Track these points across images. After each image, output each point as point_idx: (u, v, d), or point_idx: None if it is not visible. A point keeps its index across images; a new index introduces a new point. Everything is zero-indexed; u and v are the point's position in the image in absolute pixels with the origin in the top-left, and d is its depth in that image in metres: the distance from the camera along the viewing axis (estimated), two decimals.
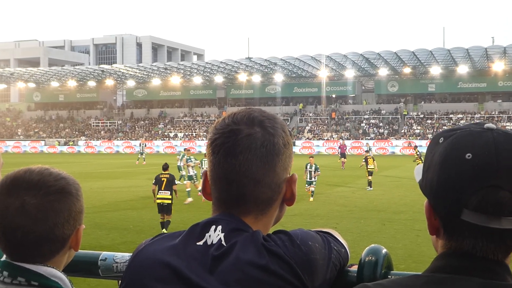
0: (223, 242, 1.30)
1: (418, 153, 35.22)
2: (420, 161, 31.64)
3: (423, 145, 48.21)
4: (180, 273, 1.27)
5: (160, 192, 14.40)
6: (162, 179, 14.59)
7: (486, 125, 1.16)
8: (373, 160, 26.09)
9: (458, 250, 1.14)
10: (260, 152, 1.34)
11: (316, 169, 21.45)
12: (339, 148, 45.60)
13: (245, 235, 1.31)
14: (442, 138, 1.18)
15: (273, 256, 1.28)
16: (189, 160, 22.08)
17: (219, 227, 1.33)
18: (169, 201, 14.34)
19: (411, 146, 55.51)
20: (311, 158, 22.24)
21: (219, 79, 79.79)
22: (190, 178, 21.93)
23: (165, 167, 15.10)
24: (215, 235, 1.31)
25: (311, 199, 20.45)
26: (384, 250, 1.55)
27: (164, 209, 14.30)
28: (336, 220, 16.08)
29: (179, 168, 25.55)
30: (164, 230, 13.69)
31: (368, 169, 25.34)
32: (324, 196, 21.96)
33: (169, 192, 14.39)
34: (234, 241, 1.29)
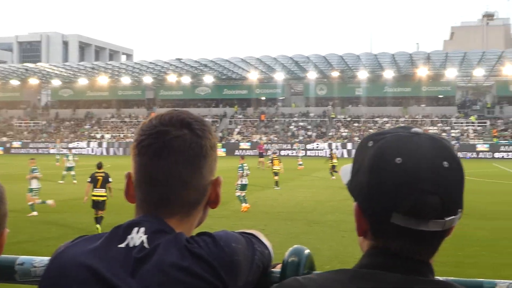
0: (145, 244, 1.28)
1: (331, 154, 36.81)
2: (331, 161, 33.60)
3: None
4: (100, 275, 1.24)
5: (95, 190, 15.09)
6: (98, 177, 15.24)
7: (413, 130, 1.19)
8: (279, 162, 28.66)
9: (385, 250, 1.16)
10: (188, 154, 1.34)
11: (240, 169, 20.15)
12: (257, 148, 47.11)
13: (168, 237, 1.30)
14: (371, 141, 1.19)
15: (196, 258, 1.27)
16: (35, 171, 18.86)
17: (142, 229, 1.31)
18: (104, 198, 15.08)
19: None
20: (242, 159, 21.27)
21: (148, 79, 78.89)
22: (30, 190, 18.44)
23: (100, 166, 15.70)
24: (138, 237, 1.29)
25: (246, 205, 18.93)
26: (307, 251, 1.53)
27: (100, 205, 14.98)
28: (264, 222, 16.03)
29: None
30: (98, 226, 14.56)
31: (274, 170, 27.82)
32: (253, 198, 21.88)
33: (104, 189, 15.12)
34: (157, 243, 1.28)
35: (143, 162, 1.34)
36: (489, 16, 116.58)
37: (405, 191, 1.11)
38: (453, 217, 1.15)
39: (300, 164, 42.21)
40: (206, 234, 1.36)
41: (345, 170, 1.30)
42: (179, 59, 71.73)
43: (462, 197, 1.17)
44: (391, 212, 1.12)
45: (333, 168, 32.07)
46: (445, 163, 1.13)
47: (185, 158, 1.33)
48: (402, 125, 1.27)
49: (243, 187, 19.37)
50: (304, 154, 53.48)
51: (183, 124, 1.36)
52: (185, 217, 1.37)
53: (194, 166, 1.35)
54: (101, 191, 15.10)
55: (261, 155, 45.43)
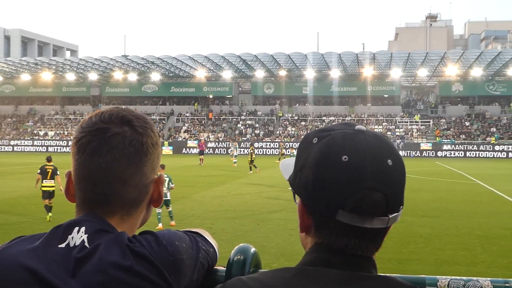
0: (86, 244, 1.26)
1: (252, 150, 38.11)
2: (250, 157, 35.20)
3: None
4: (40, 276, 1.21)
5: (45, 181, 16.60)
6: (48, 170, 16.74)
7: (357, 127, 1.20)
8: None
9: (330, 246, 1.17)
10: (128, 152, 1.33)
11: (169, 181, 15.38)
12: (198, 146, 48.90)
13: (110, 236, 1.29)
14: (316, 138, 1.19)
15: (138, 257, 1.26)
16: None
17: (83, 229, 1.29)
18: (53, 188, 16.57)
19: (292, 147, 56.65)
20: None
21: (93, 76, 77.59)
22: None
23: (49, 159, 17.03)
24: (78, 236, 1.27)
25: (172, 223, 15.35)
26: (253, 249, 1.54)
27: (50, 195, 16.47)
28: (211, 221, 15.95)
29: None
30: (50, 214, 15.97)
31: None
32: (200, 196, 21.80)
33: (53, 180, 16.66)
34: (98, 243, 1.26)
35: (82, 160, 1.32)
36: (432, 17, 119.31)
37: (351, 189, 1.11)
38: (396, 214, 1.16)
39: (235, 162, 43.25)
40: (149, 233, 1.35)
41: (286, 165, 1.31)
42: (125, 56, 70.85)
43: (403, 194, 1.19)
44: (336, 209, 1.13)
45: (252, 163, 35.27)
46: (389, 161, 1.15)
47: (125, 155, 1.32)
48: (347, 122, 1.27)
49: (166, 203, 15.23)
50: (240, 152, 55.17)
51: (124, 121, 1.35)
52: (127, 216, 1.35)
53: (135, 164, 1.33)
54: (51, 182, 16.62)
55: (201, 153, 47.06)
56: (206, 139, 67.18)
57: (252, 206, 19.35)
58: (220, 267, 1.54)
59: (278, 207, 18.82)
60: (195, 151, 64.01)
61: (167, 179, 15.03)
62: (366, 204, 1.12)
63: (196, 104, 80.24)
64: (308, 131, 1.53)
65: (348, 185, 1.12)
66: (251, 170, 34.99)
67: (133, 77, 77.62)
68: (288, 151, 38.74)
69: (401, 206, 1.18)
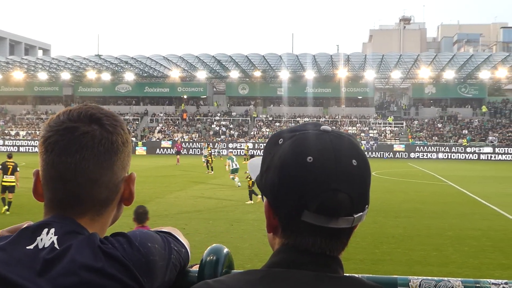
0: (56, 246, 1.23)
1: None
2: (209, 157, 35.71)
3: None
4: (5, 278, 1.18)
5: (6, 176, 17.49)
6: (8, 166, 17.64)
7: (322, 127, 1.20)
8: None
9: (296, 247, 1.17)
10: (98, 151, 1.31)
11: None
12: (175, 147, 50.18)
13: (81, 237, 1.27)
14: (281, 139, 1.19)
15: (110, 259, 1.24)
16: None
17: (52, 230, 1.26)
18: (14, 183, 17.53)
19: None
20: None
21: (66, 75, 76.64)
22: None
23: (10, 156, 17.99)
24: (47, 238, 1.25)
25: None
26: (226, 250, 1.53)
27: (10, 189, 17.44)
28: (185, 221, 15.89)
29: None
30: (5, 207, 17.16)
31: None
32: (173, 197, 21.70)
33: (13, 176, 17.54)
34: (69, 244, 1.24)
35: (50, 159, 1.30)
36: (406, 20, 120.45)
37: (316, 190, 1.12)
38: (361, 213, 1.17)
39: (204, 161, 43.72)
40: (121, 234, 1.33)
41: (254, 165, 1.31)
42: (98, 56, 70.36)
43: (369, 194, 1.19)
44: (301, 210, 1.13)
45: (208, 163, 36.51)
46: (354, 161, 1.15)
47: (94, 155, 1.30)
48: (313, 121, 1.27)
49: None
50: (212, 152, 56.07)
51: (92, 119, 1.33)
52: (97, 215, 1.33)
53: (105, 163, 1.31)
54: (11, 178, 17.54)
55: (178, 153, 47.99)
56: (181, 139, 66.86)
57: (226, 207, 19.33)
58: (193, 268, 1.53)
59: (252, 208, 18.83)
60: (170, 151, 63.86)
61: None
62: (331, 204, 1.12)
63: (182, 104, 79.67)
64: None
65: (313, 185, 1.12)
66: (211, 170, 35.53)
67: (106, 76, 76.90)
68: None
69: (367, 206, 1.19)
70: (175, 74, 74.80)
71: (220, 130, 73.29)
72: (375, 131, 71.37)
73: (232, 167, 26.38)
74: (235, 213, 17.92)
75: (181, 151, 50.60)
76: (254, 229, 14.84)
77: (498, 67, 69.56)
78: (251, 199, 20.13)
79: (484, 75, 71.73)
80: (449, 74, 71.87)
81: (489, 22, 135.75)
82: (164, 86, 79.59)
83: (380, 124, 73.53)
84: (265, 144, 1.26)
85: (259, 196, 19.38)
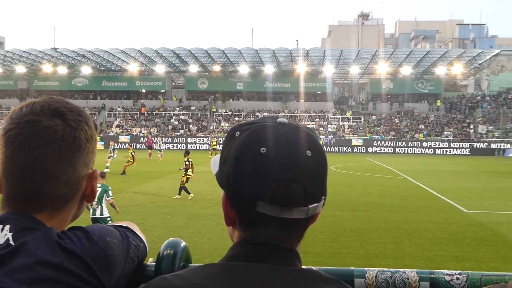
0: (11, 242, 1.21)
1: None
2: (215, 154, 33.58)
3: None
4: None
5: None
6: None
7: (278, 120, 1.22)
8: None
9: (253, 239, 1.18)
10: (59, 147, 1.28)
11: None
12: (146, 141, 50.17)
13: (37, 233, 1.24)
14: (238, 132, 1.20)
15: (68, 254, 1.22)
16: None
17: (7, 227, 1.23)
18: None
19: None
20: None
21: (21, 69, 75.14)
22: None
23: None
24: (2, 235, 1.22)
25: None
26: (183, 243, 1.54)
27: None
28: (143, 216, 15.74)
29: None
30: None
31: None
32: (132, 192, 21.49)
33: None
34: (24, 240, 1.21)
35: (9, 154, 1.27)
36: (364, 16, 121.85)
37: (269, 180, 1.13)
38: (317, 204, 1.17)
39: (160, 156, 43.88)
40: (79, 228, 1.32)
41: (216, 161, 1.30)
42: (54, 49, 69.09)
43: (325, 184, 1.20)
44: (256, 201, 1.14)
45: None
46: (308, 152, 1.16)
47: (56, 150, 1.27)
48: (270, 115, 1.28)
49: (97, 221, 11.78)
50: (166, 147, 55.92)
51: (56, 114, 1.30)
52: (56, 212, 1.30)
53: (66, 159, 1.29)
54: None
55: (149, 148, 48.42)
56: (138, 134, 66.24)
57: (185, 201, 19.22)
58: (150, 262, 1.52)
59: (211, 203, 18.77)
60: (128, 146, 63.34)
61: (99, 189, 11.66)
62: (285, 194, 1.13)
63: (162, 99, 78.73)
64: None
65: (267, 176, 1.13)
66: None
67: (63, 70, 75.64)
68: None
69: (323, 197, 1.20)
70: (133, 68, 74.12)
71: (179, 125, 72.86)
72: (333, 126, 71.97)
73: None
74: (193, 207, 17.84)
75: (153, 146, 50.47)
76: (213, 223, 14.81)
77: (453, 63, 71.01)
78: (179, 194, 19.97)
79: (440, 71, 73.09)
80: (406, 70, 73.03)
81: (446, 19, 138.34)
82: (122, 80, 78.71)
83: (339, 119, 74.19)
84: (224, 139, 1.27)
85: (191, 195, 19.85)
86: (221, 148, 1.28)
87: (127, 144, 44.34)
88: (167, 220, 15.31)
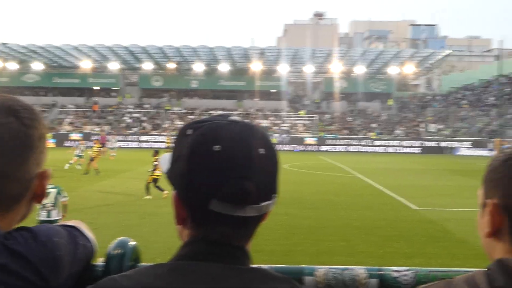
0: None
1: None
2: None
3: None
4: None
5: None
6: None
7: (231, 118, 1.22)
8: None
9: (205, 238, 1.17)
10: (13, 145, 1.25)
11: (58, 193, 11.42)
12: (99, 139, 49.10)
13: None
14: (190, 130, 1.20)
15: (14, 255, 1.19)
16: None
17: None
18: None
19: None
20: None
21: None
22: None
23: None
24: None
25: None
26: (133, 243, 1.52)
27: None
28: (94, 215, 15.52)
29: None
30: None
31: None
32: (83, 190, 21.16)
33: None
34: None
35: None
36: (319, 15, 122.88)
37: (223, 178, 1.13)
38: (268, 202, 1.18)
39: (113, 155, 43.00)
40: (25, 229, 1.29)
41: (165, 159, 1.30)
42: (4, 44, 67.43)
43: (276, 183, 1.21)
44: (209, 199, 1.14)
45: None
46: (261, 150, 1.17)
47: (8, 149, 1.24)
48: (223, 113, 1.27)
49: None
50: (119, 145, 55.22)
51: (9, 111, 1.27)
52: (6, 212, 1.27)
53: (18, 157, 1.26)
54: None
55: (103, 145, 46.78)
56: (91, 131, 65.22)
57: (138, 200, 19.05)
58: (99, 262, 1.49)
59: (165, 201, 18.63)
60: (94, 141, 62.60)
61: (53, 190, 11.27)
62: (237, 192, 1.13)
63: (120, 97, 77.30)
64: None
65: (220, 174, 1.13)
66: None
67: (12, 66, 73.89)
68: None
69: (275, 195, 1.21)
70: (86, 65, 72.98)
71: (133, 123, 72.06)
72: (287, 124, 72.32)
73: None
74: (147, 206, 17.69)
75: (105, 143, 49.09)
76: (167, 222, 14.69)
77: (406, 63, 72.26)
78: (148, 193, 19.61)
79: (393, 70, 74.33)
80: (360, 69, 73.98)
81: (398, 19, 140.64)
82: (74, 76, 77.27)
83: (293, 117, 74.59)
84: (175, 137, 1.26)
85: (166, 191, 19.23)
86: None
87: (94, 139, 42.92)
88: (120, 219, 15.14)
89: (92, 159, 29.14)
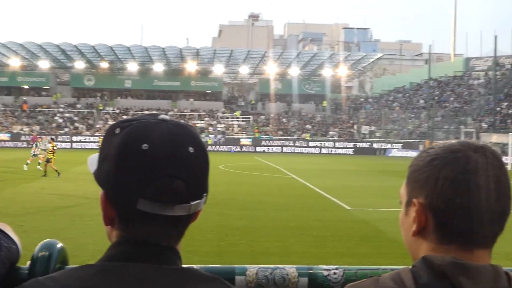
0: None
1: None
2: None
3: None
4: None
5: None
6: None
7: (160, 116, 1.21)
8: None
9: (133, 238, 1.16)
10: None
11: None
12: (31, 139, 47.58)
13: None
14: (118, 128, 1.19)
15: None
16: None
17: None
18: None
19: None
20: None
21: None
22: None
23: None
24: None
25: None
26: (59, 245, 1.52)
27: None
28: (22, 218, 15.01)
29: None
30: None
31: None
32: (10, 193, 20.47)
33: None
34: None
35: None
36: (254, 17, 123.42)
37: (151, 177, 1.12)
38: (198, 201, 1.18)
39: (43, 156, 41.37)
40: None
41: (93, 160, 1.29)
42: None
43: (206, 181, 1.21)
44: (137, 198, 1.13)
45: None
46: (191, 149, 1.17)
47: None
48: (152, 112, 1.23)
49: None
50: (50, 146, 53.73)
51: None
52: None
53: None
54: None
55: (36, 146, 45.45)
56: (20, 131, 63.40)
57: (68, 202, 18.60)
58: (24, 265, 1.45)
59: (96, 203, 18.16)
60: (8, 144, 60.60)
61: None
62: (166, 191, 1.13)
63: (55, 95, 74.75)
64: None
65: (148, 173, 1.12)
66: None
67: None
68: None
69: (205, 194, 1.21)
70: (15, 63, 70.79)
71: (64, 123, 70.39)
72: (223, 125, 72.35)
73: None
74: (78, 208, 17.28)
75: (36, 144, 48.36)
76: (98, 224, 14.32)
77: (339, 66, 73.50)
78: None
79: (327, 72, 75.49)
80: (295, 71, 74.82)
81: (332, 22, 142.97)
82: (2, 75, 74.80)
83: (228, 118, 74.67)
84: (103, 136, 1.25)
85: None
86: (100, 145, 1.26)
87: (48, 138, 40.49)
88: (49, 222, 14.72)
89: (48, 161, 28.19)
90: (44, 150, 42.51)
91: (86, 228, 13.81)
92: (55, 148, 29.83)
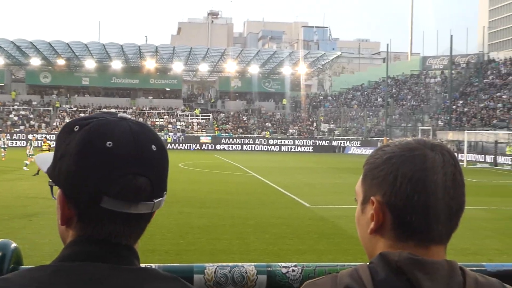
0: None
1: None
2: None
3: None
4: None
5: None
6: None
7: (120, 115, 1.21)
8: None
9: (91, 237, 1.15)
10: None
11: None
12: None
13: None
14: (77, 126, 1.17)
15: None
16: None
17: None
18: None
19: None
20: None
21: None
22: None
23: None
24: None
25: None
26: (13, 245, 1.51)
27: None
28: None
29: None
30: None
31: None
32: None
33: None
34: None
35: None
36: (214, 14, 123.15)
37: (115, 174, 1.11)
38: (160, 199, 1.19)
39: (3, 155, 40.30)
40: None
41: (43, 158, 1.28)
42: None
43: (166, 180, 1.22)
44: (101, 196, 1.11)
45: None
46: (154, 147, 1.17)
47: None
48: (109, 110, 1.20)
49: None
50: (12, 144, 52.79)
51: None
52: None
53: None
54: None
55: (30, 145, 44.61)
56: None
57: (25, 201, 18.24)
58: None
59: (53, 202, 17.89)
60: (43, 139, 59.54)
61: None
62: (131, 189, 1.12)
63: (13, 93, 73.12)
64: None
65: (112, 170, 1.11)
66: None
67: None
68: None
69: (165, 192, 1.21)
70: None
71: (19, 120, 68.98)
72: (182, 123, 72.02)
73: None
74: (34, 207, 16.96)
75: None
76: (55, 223, 14.08)
77: (299, 64, 73.91)
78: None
79: (286, 70, 75.84)
80: (254, 69, 74.91)
81: (292, 21, 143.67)
82: None
83: (188, 116, 74.37)
84: (58, 133, 1.23)
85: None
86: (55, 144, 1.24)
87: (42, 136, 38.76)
88: (4, 222, 14.41)
89: None
90: (4, 148, 41.53)
91: (41, 228, 13.56)
92: (51, 146, 29.44)
